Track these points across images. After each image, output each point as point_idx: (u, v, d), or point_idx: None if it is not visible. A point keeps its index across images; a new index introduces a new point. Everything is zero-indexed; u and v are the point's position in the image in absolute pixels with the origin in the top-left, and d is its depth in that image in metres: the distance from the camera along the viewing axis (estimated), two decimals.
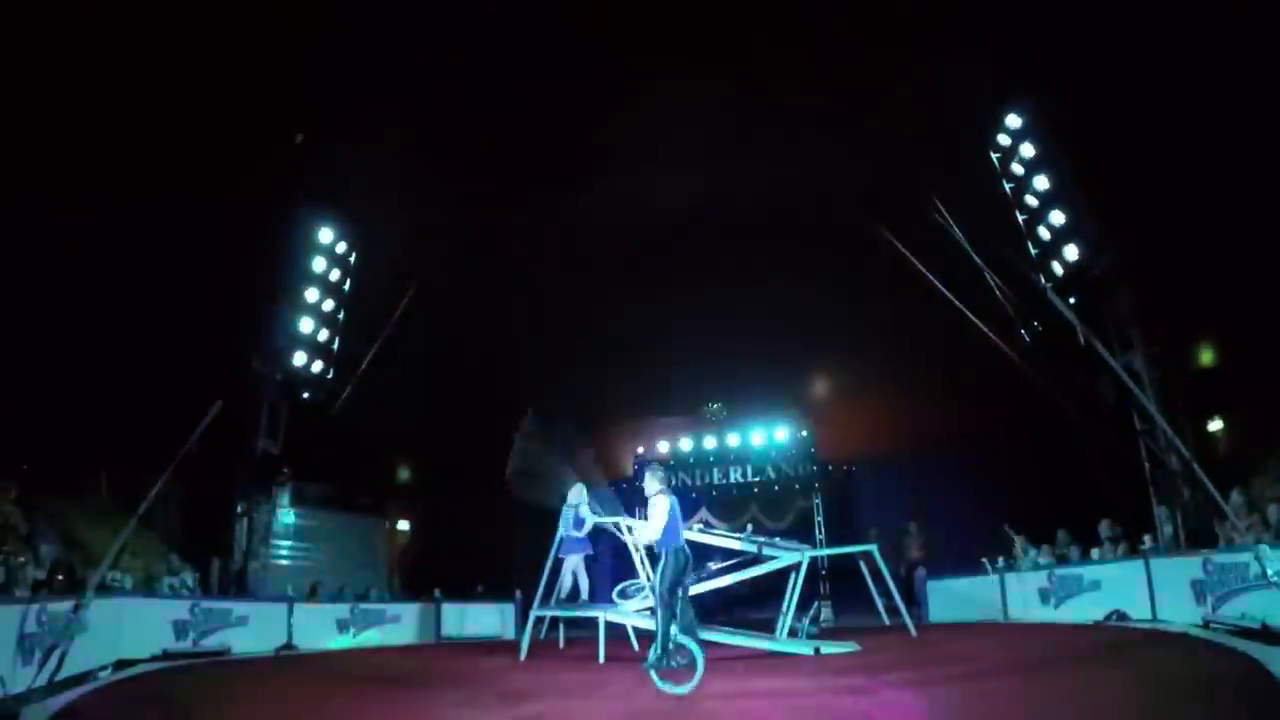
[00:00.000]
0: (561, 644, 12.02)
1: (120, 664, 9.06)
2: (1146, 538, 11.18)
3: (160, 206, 12.89)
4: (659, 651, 6.71)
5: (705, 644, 9.82)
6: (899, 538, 15.71)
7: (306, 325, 14.02)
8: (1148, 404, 10.52)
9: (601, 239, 15.85)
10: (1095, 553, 11.65)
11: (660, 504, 7.17)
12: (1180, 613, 9.08)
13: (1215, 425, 13.40)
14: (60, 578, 9.64)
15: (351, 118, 14.08)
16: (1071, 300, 11.46)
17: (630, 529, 10.69)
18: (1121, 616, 10.10)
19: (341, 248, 14.80)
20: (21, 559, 9.44)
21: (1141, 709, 4.93)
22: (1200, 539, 10.27)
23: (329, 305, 14.48)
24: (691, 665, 6.61)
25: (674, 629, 6.84)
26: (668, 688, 6.36)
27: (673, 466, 18.38)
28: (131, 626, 9.81)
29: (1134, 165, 12.14)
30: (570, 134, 14.82)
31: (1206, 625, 8.28)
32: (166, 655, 10.14)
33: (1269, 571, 7.25)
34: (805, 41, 13.66)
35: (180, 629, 10.81)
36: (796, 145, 14.29)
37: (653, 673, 6.48)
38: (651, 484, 7.35)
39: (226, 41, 12.09)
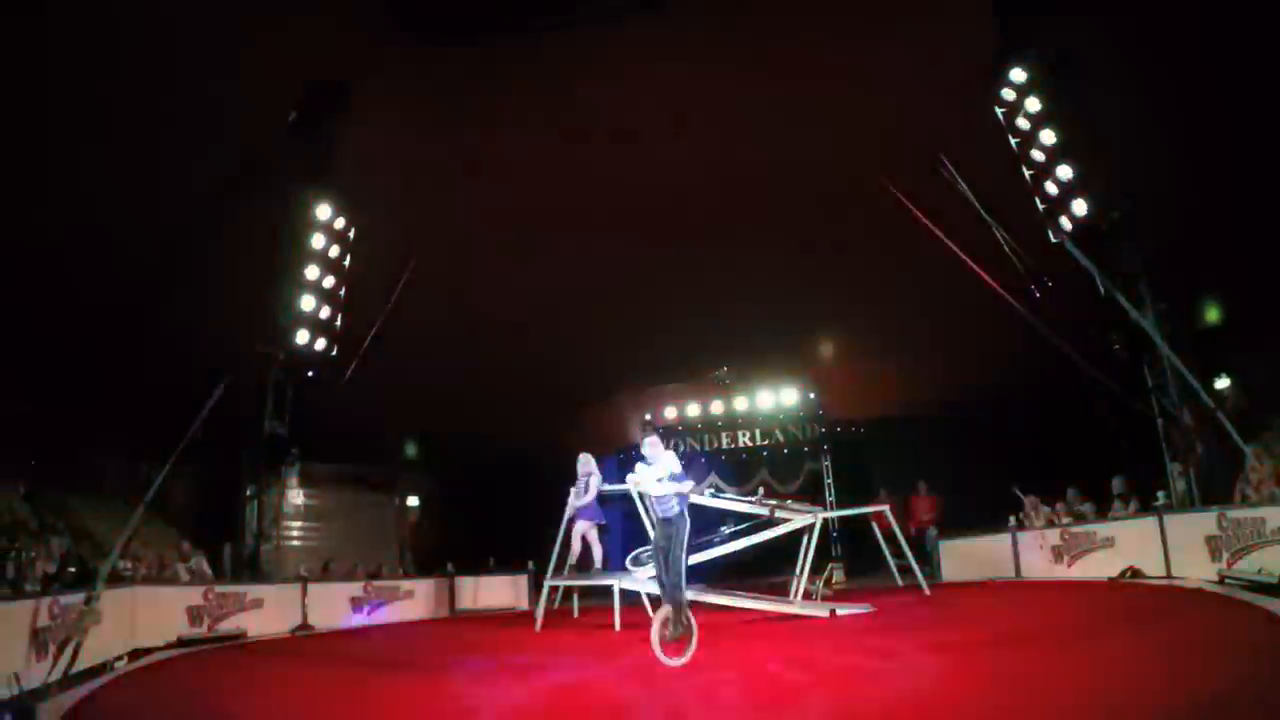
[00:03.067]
0: (575, 613, 12.09)
1: (135, 653, 9.08)
2: (1160, 494, 11.12)
3: (155, 189, 12.73)
4: (686, 623, 6.43)
5: (722, 608, 9.94)
6: (907, 498, 15.63)
7: (308, 303, 13.86)
8: (1171, 355, 10.38)
9: (608, 208, 15.64)
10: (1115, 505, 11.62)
11: (671, 454, 6.95)
12: (1195, 569, 9.06)
13: (1222, 383, 13.30)
14: (71, 570, 9.64)
15: (348, 91, 13.87)
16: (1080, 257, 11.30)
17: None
18: (1136, 573, 10.09)
19: (340, 224, 14.57)
20: (32, 554, 9.44)
21: (1160, 666, 4.90)
22: (1214, 495, 10.19)
23: (330, 282, 14.28)
24: (688, 632, 6.45)
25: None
26: (669, 660, 6.23)
27: (681, 432, 18.39)
28: (145, 615, 9.81)
29: (1143, 120, 11.92)
30: (572, 103, 14.56)
31: (1222, 581, 8.25)
32: (182, 642, 10.15)
33: None
34: None
35: (195, 615, 10.82)
36: (802, 105, 14.01)
37: (657, 646, 6.26)
38: (654, 444, 7.08)
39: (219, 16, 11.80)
